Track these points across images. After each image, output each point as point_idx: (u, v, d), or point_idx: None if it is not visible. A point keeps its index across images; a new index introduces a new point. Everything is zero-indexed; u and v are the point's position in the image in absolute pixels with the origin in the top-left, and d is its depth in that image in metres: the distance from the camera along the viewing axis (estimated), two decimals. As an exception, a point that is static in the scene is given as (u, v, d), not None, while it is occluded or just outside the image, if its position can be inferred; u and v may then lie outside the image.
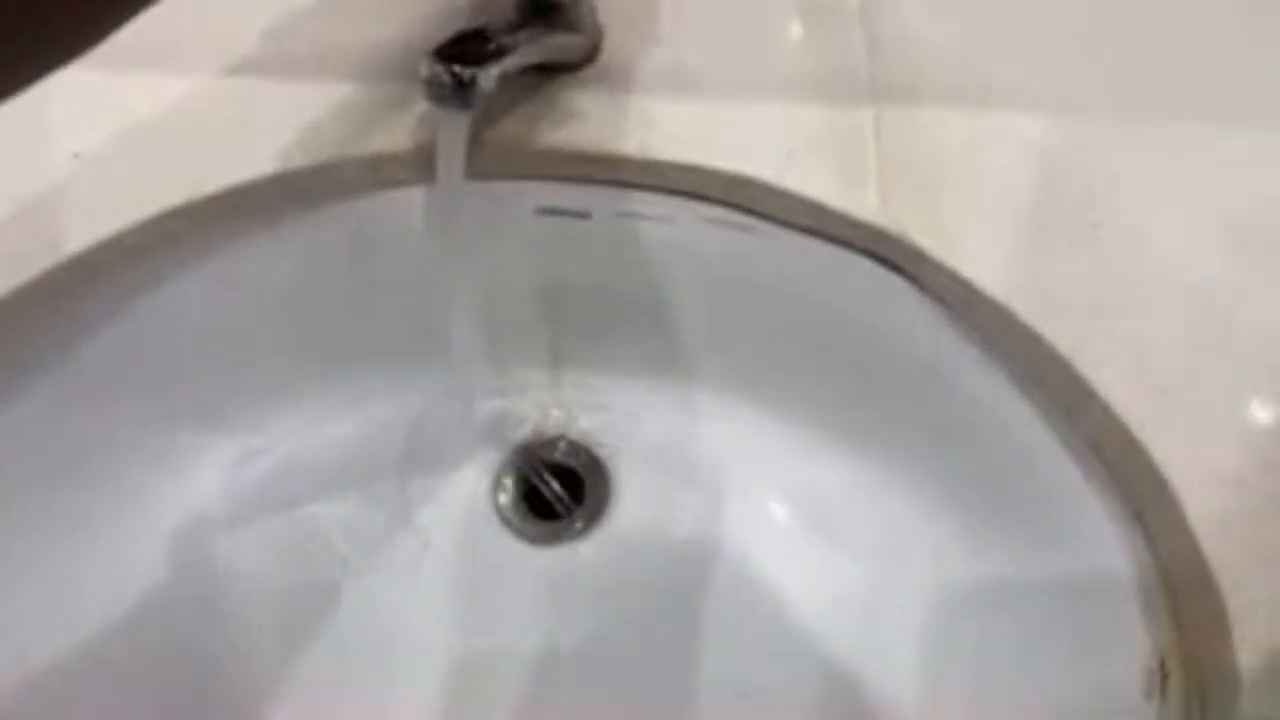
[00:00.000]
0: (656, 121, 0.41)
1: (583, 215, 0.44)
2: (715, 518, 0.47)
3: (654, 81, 0.43)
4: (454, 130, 0.37)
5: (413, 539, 0.47)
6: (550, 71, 0.42)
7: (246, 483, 0.46)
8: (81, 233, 0.38)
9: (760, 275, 0.44)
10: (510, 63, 0.36)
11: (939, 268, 0.38)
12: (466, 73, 0.34)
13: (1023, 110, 0.42)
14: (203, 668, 0.42)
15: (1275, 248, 0.38)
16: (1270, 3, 0.46)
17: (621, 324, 0.48)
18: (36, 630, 0.40)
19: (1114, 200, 0.39)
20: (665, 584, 0.46)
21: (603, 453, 0.49)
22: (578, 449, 0.50)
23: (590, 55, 0.43)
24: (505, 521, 0.48)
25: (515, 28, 0.37)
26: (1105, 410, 0.35)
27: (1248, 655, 0.30)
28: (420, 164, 0.40)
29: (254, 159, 0.40)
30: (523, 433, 0.50)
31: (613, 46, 0.43)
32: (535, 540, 0.47)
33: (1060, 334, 0.36)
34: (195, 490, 0.45)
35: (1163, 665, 0.34)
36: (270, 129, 0.40)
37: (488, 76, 0.34)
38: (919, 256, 0.39)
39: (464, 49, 0.35)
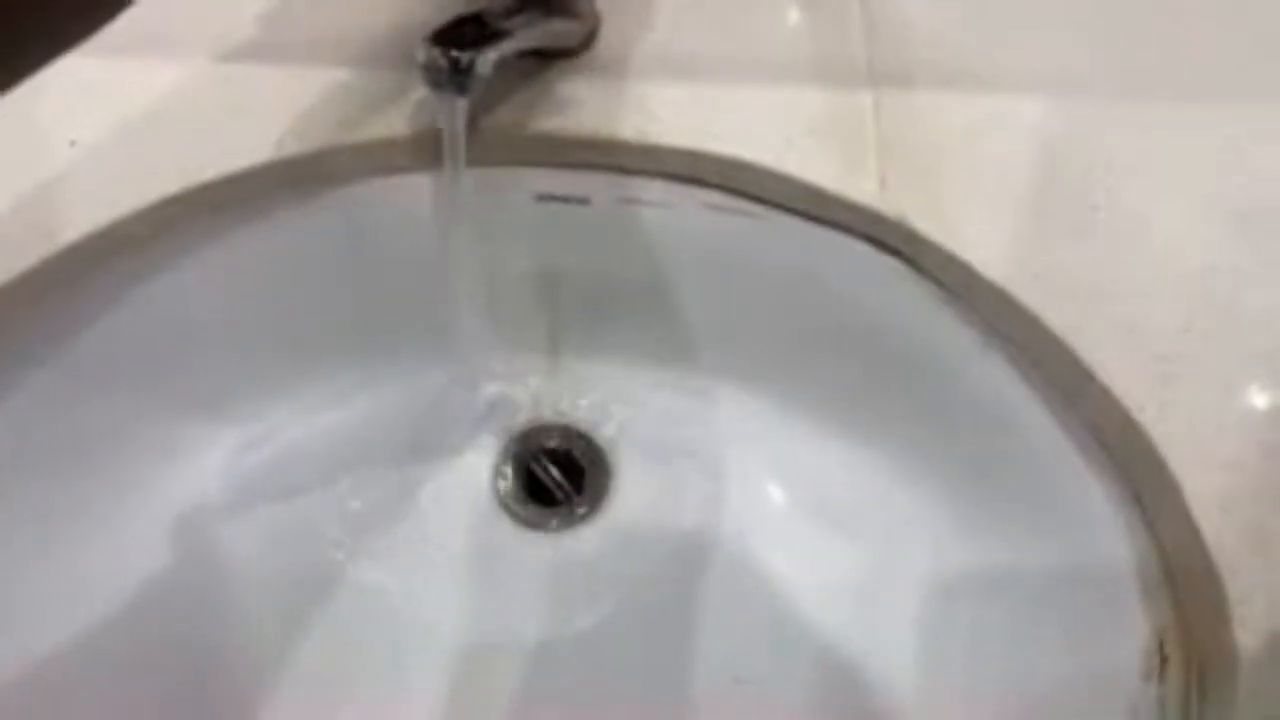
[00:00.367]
0: (655, 107, 0.41)
1: (582, 201, 0.44)
2: (714, 503, 0.47)
3: (652, 67, 0.42)
4: (452, 116, 0.37)
5: (413, 526, 0.47)
6: (548, 58, 0.42)
7: (247, 472, 0.46)
8: (78, 221, 0.38)
9: (760, 260, 0.44)
10: (507, 47, 0.36)
11: (938, 252, 0.38)
12: (464, 57, 0.34)
13: (1022, 94, 0.42)
14: (203, 657, 0.42)
15: (1275, 231, 0.38)
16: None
17: (621, 310, 0.48)
18: (37, 621, 0.40)
19: (1113, 184, 0.39)
20: (663, 570, 0.46)
21: (602, 439, 0.49)
22: (577, 436, 0.50)
23: (587, 41, 0.43)
24: (505, 508, 0.48)
25: (512, 13, 0.37)
26: (1105, 394, 0.35)
27: (1246, 638, 0.31)
28: (417, 150, 0.40)
29: (251, 146, 0.39)
30: (522, 419, 0.50)
31: (610, 32, 0.43)
32: (535, 527, 0.47)
33: (1060, 317, 0.36)
34: (195, 480, 0.45)
35: (1161, 648, 0.34)
36: (267, 116, 0.40)
37: (485, 61, 0.34)
38: (918, 240, 0.38)
39: (461, 33, 0.35)
